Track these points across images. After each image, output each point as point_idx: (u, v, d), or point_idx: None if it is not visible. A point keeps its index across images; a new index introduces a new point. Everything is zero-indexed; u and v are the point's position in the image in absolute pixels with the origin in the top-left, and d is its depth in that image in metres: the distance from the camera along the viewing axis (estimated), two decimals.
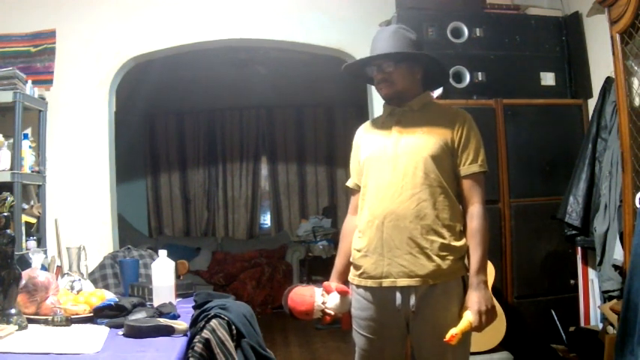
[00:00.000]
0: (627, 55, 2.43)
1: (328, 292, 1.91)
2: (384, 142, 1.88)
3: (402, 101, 1.90)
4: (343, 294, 1.90)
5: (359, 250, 1.88)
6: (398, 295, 1.80)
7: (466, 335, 1.77)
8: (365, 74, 1.99)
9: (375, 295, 1.84)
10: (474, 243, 1.81)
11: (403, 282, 1.79)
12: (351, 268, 1.93)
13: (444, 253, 1.78)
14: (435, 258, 1.77)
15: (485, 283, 1.80)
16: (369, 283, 1.84)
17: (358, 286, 1.88)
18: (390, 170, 1.82)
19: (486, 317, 1.76)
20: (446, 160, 1.83)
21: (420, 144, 1.82)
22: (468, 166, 1.85)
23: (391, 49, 1.84)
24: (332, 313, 1.89)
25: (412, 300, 1.79)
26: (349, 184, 2.04)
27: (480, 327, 1.76)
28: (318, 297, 1.90)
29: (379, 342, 1.87)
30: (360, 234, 1.89)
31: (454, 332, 1.71)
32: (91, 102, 3.40)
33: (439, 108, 1.97)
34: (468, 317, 1.75)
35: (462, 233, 1.84)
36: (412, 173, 1.80)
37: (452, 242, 1.80)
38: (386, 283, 1.81)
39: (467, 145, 1.85)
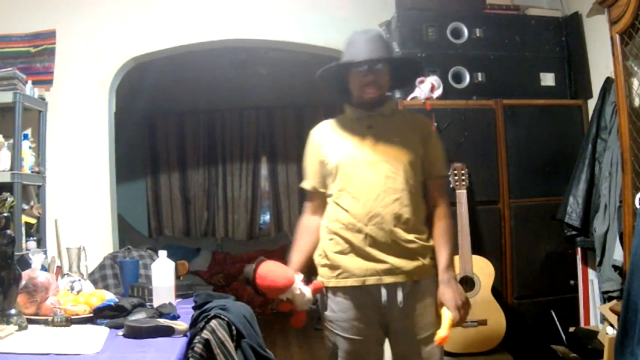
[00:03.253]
0: (627, 56, 2.43)
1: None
2: (359, 146, 1.91)
3: (375, 106, 1.93)
4: (316, 292, 1.89)
5: (336, 252, 1.89)
6: (384, 292, 1.84)
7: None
8: (336, 79, 1.98)
9: (357, 294, 1.86)
10: (442, 241, 1.91)
11: (389, 279, 1.83)
12: (323, 270, 1.93)
13: (424, 252, 1.88)
14: (418, 256, 1.86)
15: (455, 278, 1.91)
16: (351, 282, 1.86)
17: (336, 288, 1.89)
18: (372, 174, 1.87)
19: (464, 310, 1.85)
20: (419, 167, 1.93)
21: (398, 151, 1.90)
22: (437, 169, 1.97)
23: (381, 52, 1.87)
24: (297, 305, 1.87)
25: (399, 296, 1.84)
26: (307, 186, 2.03)
27: (461, 321, 1.85)
28: (297, 280, 1.86)
29: (364, 343, 1.88)
30: (332, 235, 1.90)
31: (444, 334, 1.77)
32: (91, 102, 3.40)
33: (405, 115, 2.08)
34: (449, 315, 1.82)
35: (430, 234, 1.94)
36: (394, 178, 1.87)
37: (427, 242, 1.91)
38: (370, 280, 1.84)
39: (435, 152, 1.97)
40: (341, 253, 1.88)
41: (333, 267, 1.89)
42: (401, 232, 1.84)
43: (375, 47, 1.86)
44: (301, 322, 1.90)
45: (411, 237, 1.86)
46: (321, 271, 1.95)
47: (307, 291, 1.87)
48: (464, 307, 1.85)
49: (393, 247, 1.84)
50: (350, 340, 1.88)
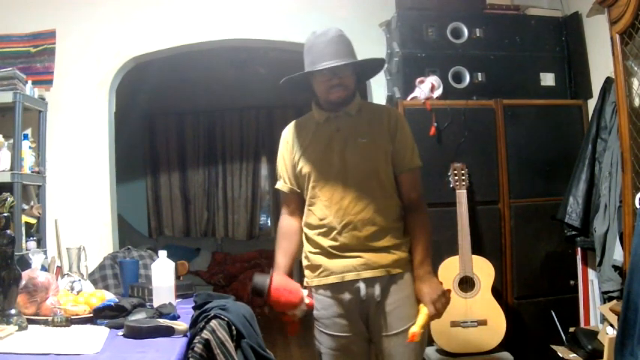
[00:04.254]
0: (627, 56, 2.43)
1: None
2: (328, 151, 1.90)
3: (341, 105, 1.92)
4: (309, 305, 1.92)
5: (315, 253, 1.92)
6: (362, 286, 1.85)
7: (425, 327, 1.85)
8: (303, 82, 1.97)
9: (337, 290, 1.88)
10: (417, 234, 1.91)
11: (367, 274, 1.85)
12: (307, 271, 1.96)
13: (399, 247, 1.89)
14: (393, 251, 1.88)
15: (430, 272, 1.90)
16: (331, 279, 1.87)
17: (318, 287, 1.92)
18: (342, 182, 1.87)
19: (441, 304, 1.84)
20: (389, 164, 1.91)
21: (366, 154, 1.89)
22: (407, 162, 1.93)
23: (343, 54, 1.85)
24: (297, 317, 1.90)
25: (377, 290, 1.85)
26: (283, 188, 2.01)
27: (438, 314, 1.84)
28: (304, 296, 1.90)
29: (348, 339, 1.89)
30: (311, 242, 1.93)
31: (414, 330, 1.78)
32: (91, 102, 3.40)
33: (371, 108, 2.01)
34: (424, 311, 1.83)
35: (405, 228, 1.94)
36: (364, 184, 1.87)
37: (402, 238, 1.91)
38: (349, 276, 1.86)
39: (404, 144, 1.93)
40: (319, 254, 1.91)
41: (314, 267, 1.92)
42: (374, 237, 1.86)
43: (336, 49, 1.84)
44: (297, 330, 1.92)
45: (384, 239, 1.87)
46: (305, 272, 1.98)
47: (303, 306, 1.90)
48: (439, 301, 1.84)
49: (368, 247, 1.86)
50: (334, 337, 1.89)
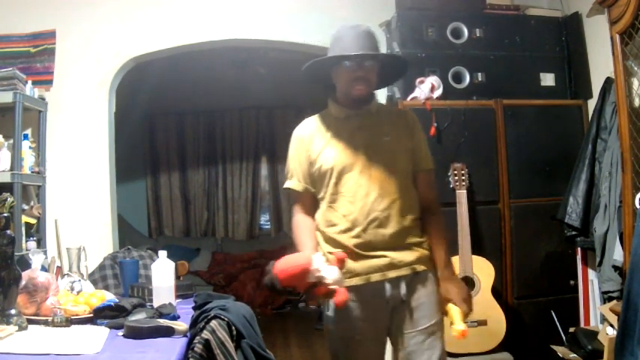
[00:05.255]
0: (627, 56, 2.43)
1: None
2: (351, 148, 1.86)
3: (361, 103, 1.89)
4: (340, 263, 1.73)
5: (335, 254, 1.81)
6: (388, 287, 1.83)
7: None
8: (321, 74, 1.92)
9: (362, 292, 1.83)
10: (438, 235, 1.91)
11: (392, 273, 1.83)
12: None
13: (422, 246, 1.89)
14: (416, 248, 1.87)
15: (454, 273, 1.93)
16: (355, 281, 1.83)
17: None
18: (366, 179, 1.84)
19: (469, 304, 1.85)
20: (410, 165, 1.92)
21: (391, 151, 1.88)
22: (424, 162, 1.95)
23: (371, 50, 1.83)
24: (330, 282, 1.67)
25: (402, 289, 1.83)
26: (297, 187, 1.93)
27: (467, 315, 1.84)
28: (316, 260, 1.69)
29: (365, 341, 1.86)
30: (330, 241, 1.87)
31: (462, 327, 1.76)
32: (91, 102, 3.40)
33: (389, 110, 2.02)
34: (456, 309, 1.82)
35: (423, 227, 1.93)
36: (389, 181, 1.85)
37: (423, 237, 1.91)
38: (375, 277, 1.82)
39: (422, 145, 1.96)
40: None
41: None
42: (399, 235, 1.84)
43: (365, 43, 1.83)
44: (344, 296, 1.69)
45: (408, 237, 1.86)
46: None
47: (334, 270, 1.69)
48: (469, 299, 1.85)
49: (393, 246, 1.84)
50: (351, 338, 1.86)
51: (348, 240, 1.83)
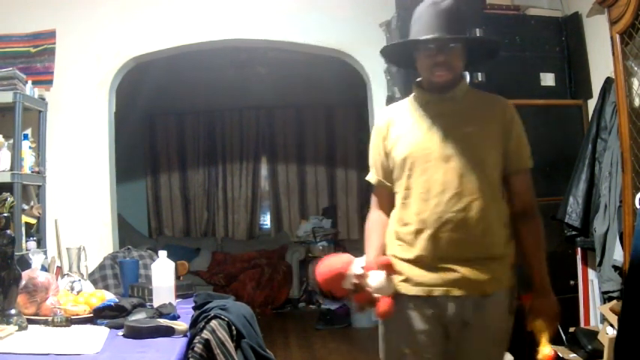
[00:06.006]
0: (627, 56, 2.43)
1: (368, 270, 1.60)
2: (429, 138, 1.64)
3: (446, 88, 1.68)
4: (384, 268, 1.58)
5: (402, 259, 1.66)
6: (450, 305, 1.61)
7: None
8: (405, 57, 1.73)
9: (421, 305, 1.63)
10: (535, 244, 1.68)
11: (458, 292, 1.60)
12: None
13: (499, 262, 1.65)
14: (491, 266, 1.63)
15: (549, 289, 1.74)
16: (415, 291, 1.63)
17: (398, 295, 1.63)
18: (442, 173, 1.61)
19: (556, 322, 1.72)
20: (498, 161, 1.67)
21: (475, 143, 1.64)
22: (523, 161, 1.71)
23: (454, 29, 1.61)
24: (372, 289, 1.57)
25: (467, 310, 1.62)
26: (371, 179, 1.78)
27: (551, 334, 1.71)
28: (356, 264, 1.58)
29: (420, 356, 1.66)
30: (400, 242, 1.67)
31: (548, 352, 1.65)
32: (91, 102, 3.40)
33: (480, 97, 1.76)
34: (544, 328, 1.70)
35: (511, 237, 1.69)
36: (469, 177, 1.60)
37: (506, 250, 1.67)
38: (437, 292, 1.61)
39: (519, 141, 1.71)
40: (407, 260, 1.65)
41: (398, 271, 1.65)
42: (476, 241, 1.61)
43: (445, 23, 1.60)
44: (388, 307, 1.57)
45: (487, 246, 1.62)
46: None
47: (379, 275, 1.58)
48: (557, 317, 1.69)
49: (466, 257, 1.60)
50: (406, 350, 1.66)
51: (418, 242, 1.62)
